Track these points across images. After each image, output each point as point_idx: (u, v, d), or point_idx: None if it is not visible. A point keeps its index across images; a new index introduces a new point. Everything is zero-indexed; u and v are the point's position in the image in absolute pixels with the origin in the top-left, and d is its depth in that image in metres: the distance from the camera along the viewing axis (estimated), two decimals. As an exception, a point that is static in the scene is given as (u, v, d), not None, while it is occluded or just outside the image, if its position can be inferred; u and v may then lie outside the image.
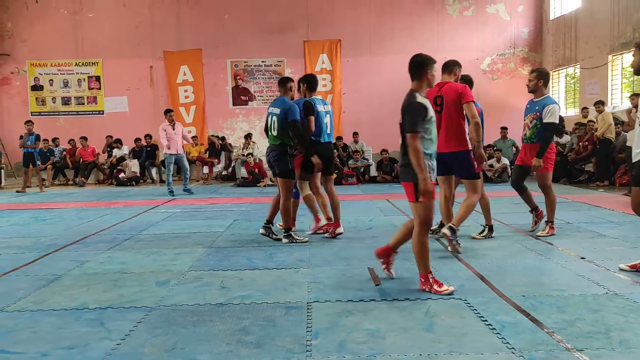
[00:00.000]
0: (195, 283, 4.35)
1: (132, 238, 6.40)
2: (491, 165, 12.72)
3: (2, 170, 14.75)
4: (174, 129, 11.20)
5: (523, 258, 5.03)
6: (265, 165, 13.96)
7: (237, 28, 17.53)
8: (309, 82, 6.32)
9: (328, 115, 6.28)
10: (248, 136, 15.26)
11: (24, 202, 10.74)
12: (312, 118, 6.00)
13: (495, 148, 13.42)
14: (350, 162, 13.75)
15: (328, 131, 6.27)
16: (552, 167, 5.98)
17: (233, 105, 18.04)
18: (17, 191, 12.54)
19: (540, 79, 5.93)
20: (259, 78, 17.98)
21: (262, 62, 17.90)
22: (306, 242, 5.89)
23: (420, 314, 3.51)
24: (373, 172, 13.91)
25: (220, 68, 17.82)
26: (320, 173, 6.20)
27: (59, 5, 17.60)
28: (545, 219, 6.10)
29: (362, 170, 13.61)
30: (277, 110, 5.91)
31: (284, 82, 6.13)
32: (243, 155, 14.20)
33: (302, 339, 3.11)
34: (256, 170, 13.00)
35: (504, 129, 14.22)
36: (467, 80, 5.76)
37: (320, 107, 6.15)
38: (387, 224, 6.86)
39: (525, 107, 6.14)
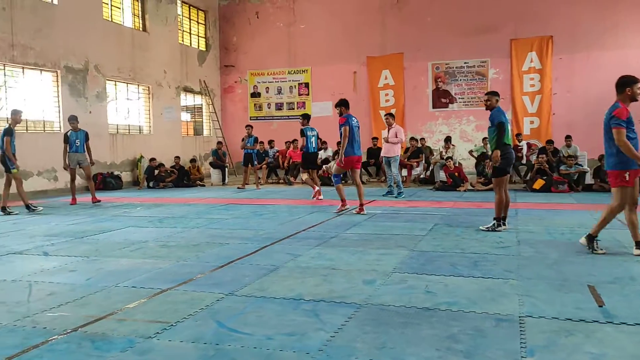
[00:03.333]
0: (400, 285, 4.40)
1: (337, 236, 6.73)
2: None
3: (226, 169, 16.68)
4: (388, 132, 11.45)
5: None
6: (466, 170, 13.60)
7: (439, 30, 17.38)
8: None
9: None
10: (448, 139, 15.02)
11: (243, 197, 12.00)
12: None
13: None
14: (561, 167, 12.66)
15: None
16: None
17: (433, 108, 17.93)
18: (238, 187, 14.10)
19: None
20: (460, 80, 17.59)
21: (465, 63, 17.48)
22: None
23: (657, 343, 3.08)
24: (588, 179, 12.62)
25: (421, 71, 17.85)
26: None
27: (276, 19, 19.30)
28: None
29: (575, 177, 12.44)
30: None
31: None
32: (442, 158, 14.01)
33: (516, 355, 2.95)
34: (456, 174, 12.71)
35: None
36: None
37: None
38: (608, 238, 6.17)
39: None
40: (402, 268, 4.98)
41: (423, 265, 5.06)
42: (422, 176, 14.95)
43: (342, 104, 9.18)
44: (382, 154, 11.86)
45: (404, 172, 14.95)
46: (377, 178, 16.12)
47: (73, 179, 11.12)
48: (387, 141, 11.47)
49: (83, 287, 4.47)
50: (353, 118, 9.13)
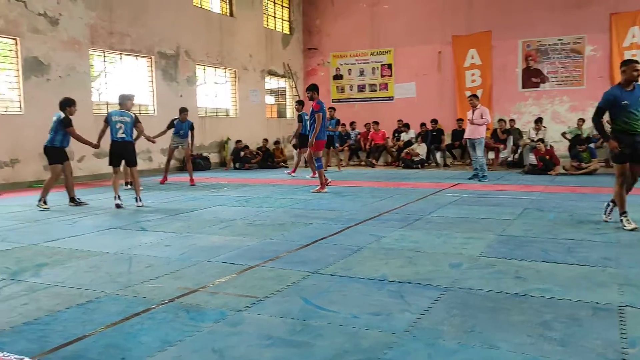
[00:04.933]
0: (488, 269, 4.29)
1: (422, 219, 6.64)
2: None
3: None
4: (473, 114, 11.11)
5: None
6: (558, 153, 12.93)
7: (531, 6, 16.53)
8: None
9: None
10: (539, 120, 14.34)
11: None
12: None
13: None
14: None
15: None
16: None
17: (522, 88, 17.17)
18: (320, 169, 14.24)
19: None
20: (553, 58, 16.70)
21: (559, 40, 16.56)
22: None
23: None
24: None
25: (510, 49, 17.10)
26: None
27: None
28: None
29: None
30: None
31: None
32: (532, 140, 13.40)
33: (616, 345, 2.80)
34: (547, 157, 12.12)
35: None
36: None
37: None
38: None
39: None
40: (490, 252, 4.84)
41: (512, 250, 4.89)
42: (509, 159, 14.40)
43: (314, 89, 9.57)
44: (465, 136, 11.53)
45: (491, 155, 14.48)
46: (461, 161, 15.71)
47: (169, 159, 11.73)
48: (471, 123, 11.12)
49: (178, 261, 4.71)
50: (323, 104, 9.72)
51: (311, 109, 9.51)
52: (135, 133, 8.55)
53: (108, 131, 8.22)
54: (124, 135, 8.11)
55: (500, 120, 15.15)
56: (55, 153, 8.23)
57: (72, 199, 8.39)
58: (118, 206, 7.93)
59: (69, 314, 3.38)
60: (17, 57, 11.00)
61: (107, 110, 12.92)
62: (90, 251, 5.15)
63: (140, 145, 13.34)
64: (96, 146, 8.46)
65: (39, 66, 11.33)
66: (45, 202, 8.00)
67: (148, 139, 9.52)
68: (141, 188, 10.31)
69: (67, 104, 8.21)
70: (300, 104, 13.22)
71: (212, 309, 3.43)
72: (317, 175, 10.61)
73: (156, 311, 3.41)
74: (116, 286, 3.97)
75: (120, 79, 13.45)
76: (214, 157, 16.14)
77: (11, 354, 2.77)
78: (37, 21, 11.27)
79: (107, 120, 8.16)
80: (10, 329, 3.14)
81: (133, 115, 8.32)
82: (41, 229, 6.44)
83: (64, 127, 8.09)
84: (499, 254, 4.76)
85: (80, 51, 12.21)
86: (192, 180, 11.24)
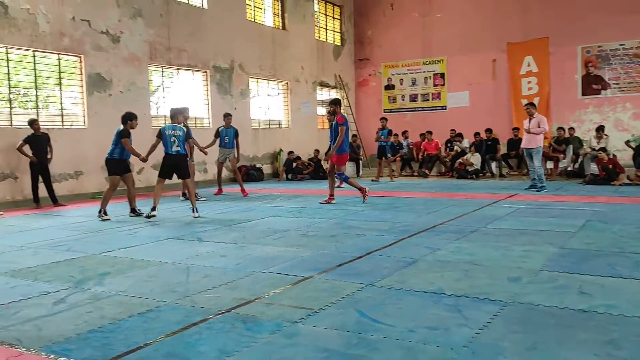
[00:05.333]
0: (549, 284, 4.13)
1: (478, 230, 6.49)
2: None
3: (360, 162, 16.85)
4: (529, 122, 10.77)
5: None
6: (621, 161, 12.38)
7: (590, 11, 16.00)
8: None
9: None
10: (600, 129, 13.81)
11: (378, 189, 12.05)
12: None
13: None
14: None
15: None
16: None
17: (582, 95, 16.58)
18: (372, 180, 14.18)
19: None
20: (615, 64, 16.09)
21: (620, 45, 15.94)
22: None
23: None
24: None
25: (569, 56, 16.58)
26: None
27: (411, 9, 19.07)
28: None
29: None
30: None
31: None
32: (594, 149, 12.90)
33: (692, 368, 2.63)
34: (610, 166, 11.62)
35: None
36: None
37: None
38: None
39: None
40: (552, 266, 4.67)
41: (575, 264, 4.70)
42: (569, 169, 13.90)
43: (337, 103, 9.72)
44: (522, 145, 11.21)
45: (550, 165, 14.04)
46: (518, 171, 15.30)
47: (219, 172, 11.93)
48: (528, 132, 10.80)
49: (233, 271, 4.79)
50: (347, 118, 9.72)
51: (334, 122, 9.55)
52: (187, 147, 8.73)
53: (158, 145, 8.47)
54: (178, 149, 8.30)
55: (559, 128, 14.66)
56: (114, 165, 8.52)
57: (133, 210, 8.65)
58: (149, 217, 8.10)
59: (131, 323, 3.48)
60: (81, 74, 11.54)
61: (165, 123, 13.35)
62: (150, 261, 5.31)
63: (197, 157, 13.72)
64: (144, 159, 8.63)
65: (101, 82, 11.84)
66: (105, 213, 8.31)
67: (201, 149, 9.79)
68: (203, 198, 10.63)
69: (128, 118, 8.52)
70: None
71: (268, 320, 3.46)
72: (343, 185, 10.88)
73: (213, 321, 3.46)
74: (175, 295, 4.06)
75: (177, 93, 13.87)
76: (266, 168, 16.36)
77: (77, 360, 2.88)
78: (99, 39, 11.80)
79: (160, 135, 8.35)
80: (76, 335, 3.26)
81: (185, 129, 8.54)
82: (104, 238, 6.68)
83: (120, 138, 8.38)
84: (561, 268, 4.59)
85: (140, 67, 12.69)
86: (243, 190, 11.39)
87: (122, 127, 8.46)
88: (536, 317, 3.41)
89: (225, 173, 13.20)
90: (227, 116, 11.65)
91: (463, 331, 3.18)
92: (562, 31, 16.33)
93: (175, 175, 8.58)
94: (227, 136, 11.53)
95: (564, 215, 7.50)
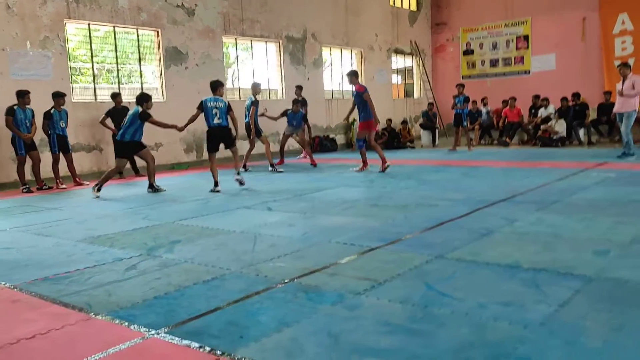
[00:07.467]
0: (641, 259, 3.75)
1: (561, 201, 6.05)
2: None
3: (437, 130, 16.32)
4: (623, 84, 9.99)
5: None
6: None
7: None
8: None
9: None
10: None
11: (454, 159, 11.61)
12: None
13: None
14: None
15: None
16: None
17: (685, 53, 15.05)
18: (449, 149, 13.67)
19: None
20: None
21: None
22: None
23: None
24: None
25: (671, 10, 15.01)
26: None
27: (492, -32, 17.96)
28: None
29: None
30: None
31: None
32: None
33: None
34: None
35: None
36: None
37: None
38: None
39: None
40: (645, 239, 4.24)
41: (672, 238, 4.25)
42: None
43: (354, 74, 9.81)
44: (615, 110, 10.36)
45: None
46: (609, 137, 14.22)
47: (283, 144, 11.91)
48: (621, 94, 9.96)
49: (300, 240, 4.72)
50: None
51: (355, 91, 9.64)
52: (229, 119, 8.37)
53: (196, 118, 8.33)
54: (220, 121, 8.14)
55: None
56: (123, 147, 8.30)
57: (151, 185, 8.36)
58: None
59: (195, 290, 3.50)
60: (158, 48, 11.82)
61: (240, 96, 13.48)
62: (219, 229, 5.36)
63: (268, 128, 13.80)
64: (181, 129, 8.40)
65: (178, 55, 12.08)
66: (99, 190, 8.09)
67: (270, 118, 10.70)
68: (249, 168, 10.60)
69: (144, 99, 8.29)
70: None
71: (330, 290, 3.36)
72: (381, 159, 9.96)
73: (276, 290, 3.41)
74: (240, 264, 4.05)
75: (252, 65, 13.93)
76: (340, 139, 16.21)
77: (141, 326, 2.91)
78: (175, 13, 12.00)
79: (202, 107, 8.18)
80: (143, 302, 3.32)
81: (226, 102, 8.32)
82: (178, 208, 6.85)
83: (143, 120, 8.16)
84: (656, 242, 4.16)
85: (214, 39, 12.82)
86: (312, 161, 11.32)
87: (139, 108, 8.20)
88: (624, 294, 3.09)
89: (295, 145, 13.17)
90: (295, 102, 11.51)
91: (540, 308, 2.93)
92: (664, -17, 14.81)
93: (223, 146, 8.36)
94: (295, 120, 11.52)
95: (661, 185, 6.85)
